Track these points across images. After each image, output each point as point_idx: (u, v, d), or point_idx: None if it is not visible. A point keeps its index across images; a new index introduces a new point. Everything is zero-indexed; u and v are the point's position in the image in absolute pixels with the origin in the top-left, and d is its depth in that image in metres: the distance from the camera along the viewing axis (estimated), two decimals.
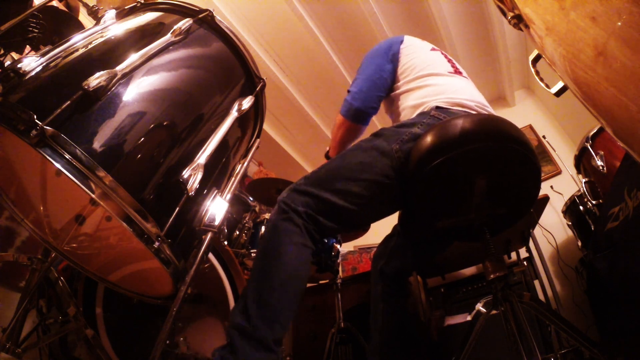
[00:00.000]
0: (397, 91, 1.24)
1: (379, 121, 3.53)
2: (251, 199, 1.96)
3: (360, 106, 1.21)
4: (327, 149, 1.38)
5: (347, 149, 1.11)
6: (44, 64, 0.71)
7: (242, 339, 0.77)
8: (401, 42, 1.31)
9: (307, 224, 0.94)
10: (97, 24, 0.95)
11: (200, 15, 0.95)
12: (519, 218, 1.06)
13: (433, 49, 1.34)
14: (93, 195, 0.62)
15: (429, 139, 0.93)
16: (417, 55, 1.26)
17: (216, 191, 0.88)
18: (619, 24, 0.31)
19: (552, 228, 2.52)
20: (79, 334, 1.17)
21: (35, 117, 0.59)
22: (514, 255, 2.35)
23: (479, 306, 1.03)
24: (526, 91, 3.57)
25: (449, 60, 1.30)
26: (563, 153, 2.82)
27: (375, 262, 1.32)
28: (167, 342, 0.71)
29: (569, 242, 2.46)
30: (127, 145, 0.69)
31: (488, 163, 0.92)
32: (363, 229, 2.00)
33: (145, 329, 1.38)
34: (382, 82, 1.23)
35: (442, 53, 1.34)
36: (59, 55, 0.74)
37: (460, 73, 1.26)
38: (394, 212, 1.15)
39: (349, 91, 1.24)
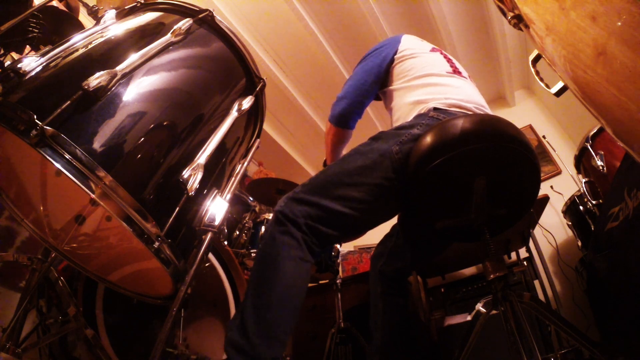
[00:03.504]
0: (393, 87, 1.24)
1: (379, 122, 3.53)
2: (251, 199, 1.96)
3: (341, 111, 1.26)
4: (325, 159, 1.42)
5: (346, 154, 1.10)
6: (44, 64, 0.71)
7: (239, 356, 0.76)
8: (398, 43, 1.31)
9: (307, 237, 0.91)
10: (97, 24, 0.95)
11: (200, 15, 0.95)
12: (519, 218, 1.06)
13: (433, 49, 1.33)
14: (93, 195, 0.62)
15: (428, 139, 0.93)
16: (415, 56, 1.26)
17: (216, 191, 0.88)
18: (619, 24, 0.31)
19: (552, 228, 2.52)
20: (79, 334, 1.17)
21: (35, 117, 0.59)
22: (514, 255, 2.36)
23: (479, 306, 1.03)
24: (526, 91, 3.57)
25: (449, 60, 1.30)
26: (563, 153, 2.82)
27: (374, 262, 1.32)
28: (167, 342, 0.71)
29: (569, 242, 2.46)
30: (127, 145, 0.69)
31: (487, 163, 0.92)
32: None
33: (145, 329, 1.38)
34: (365, 87, 1.26)
35: (442, 53, 1.33)
36: (59, 55, 0.74)
37: (459, 73, 1.26)
38: (395, 215, 1.15)
39: (337, 97, 1.29)
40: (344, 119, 1.27)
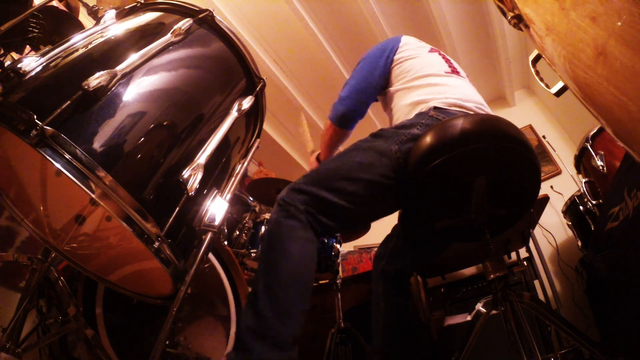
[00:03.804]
0: (393, 88, 1.24)
1: (380, 122, 3.53)
2: (251, 199, 1.96)
3: (345, 111, 1.25)
4: (318, 152, 1.43)
5: (346, 148, 1.11)
6: (44, 64, 0.71)
7: (255, 340, 0.76)
8: (398, 43, 1.31)
9: (310, 219, 0.94)
10: (97, 24, 0.94)
11: (200, 15, 0.95)
12: (519, 218, 1.06)
13: (431, 50, 1.34)
14: (93, 195, 0.62)
15: (428, 139, 0.93)
16: (414, 57, 1.27)
17: (216, 191, 0.88)
18: (619, 24, 0.31)
19: (552, 228, 2.52)
20: (79, 334, 1.17)
21: (35, 117, 0.59)
22: (514, 255, 2.35)
23: (479, 306, 1.03)
24: (526, 91, 3.57)
25: (447, 60, 1.30)
26: (563, 153, 2.82)
27: (376, 263, 1.32)
28: (167, 342, 0.71)
29: (569, 242, 2.46)
30: (127, 145, 0.69)
31: (487, 163, 0.92)
32: (363, 229, 2.00)
33: (145, 329, 1.38)
34: (368, 88, 1.26)
35: (440, 53, 1.34)
36: (59, 55, 0.74)
37: (457, 73, 1.26)
38: (394, 212, 1.15)
39: (339, 96, 1.28)
40: (345, 119, 1.27)
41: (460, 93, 1.14)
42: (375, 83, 1.26)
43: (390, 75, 1.27)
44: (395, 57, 1.28)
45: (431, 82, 1.18)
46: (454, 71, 1.26)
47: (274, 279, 0.85)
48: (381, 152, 1.01)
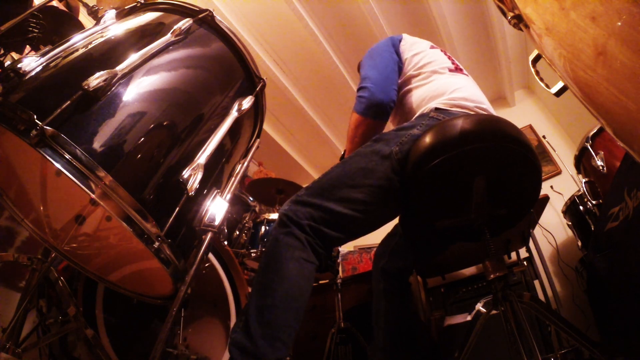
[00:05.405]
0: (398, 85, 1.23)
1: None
2: (251, 199, 1.97)
3: (383, 99, 1.12)
4: (343, 151, 1.29)
5: (347, 156, 1.10)
6: (44, 64, 0.71)
7: (243, 357, 0.76)
8: (400, 40, 1.30)
9: (310, 238, 0.91)
10: (97, 24, 0.94)
11: (200, 15, 0.95)
12: (520, 218, 1.06)
13: (432, 47, 1.33)
14: (93, 195, 0.62)
15: (427, 139, 0.93)
16: (418, 52, 1.26)
17: (216, 191, 0.88)
18: (619, 24, 0.31)
19: (552, 228, 2.52)
20: (79, 334, 1.17)
21: (35, 117, 0.59)
22: (514, 255, 2.35)
23: (479, 306, 1.03)
24: (526, 91, 3.57)
25: (449, 58, 1.30)
26: (563, 153, 2.82)
27: (376, 261, 1.31)
28: (167, 342, 0.71)
29: (569, 242, 2.46)
30: (127, 145, 0.69)
31: (487, 163, 0.92)
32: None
33: (145, 329, 1.38)
34: (394, 76, 1.19)
35: (442, 50, 1.33)
36: (59, 55, 0.74)
37: (461, 70, 1.26)
38: (397, 216, 1.14)
39: (361, 88, 1.17)
40: (383, 108, 1.13)
41: (464, 92, 1.13)
42: (397, 69, 1.20)
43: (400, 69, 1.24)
44: (399, 51, 1.26)
45: (434, 81, 1.17)
46: (457, 68, 1.25)
47: (267, 300, 0.83)
48: (382, 155, 0.99)
